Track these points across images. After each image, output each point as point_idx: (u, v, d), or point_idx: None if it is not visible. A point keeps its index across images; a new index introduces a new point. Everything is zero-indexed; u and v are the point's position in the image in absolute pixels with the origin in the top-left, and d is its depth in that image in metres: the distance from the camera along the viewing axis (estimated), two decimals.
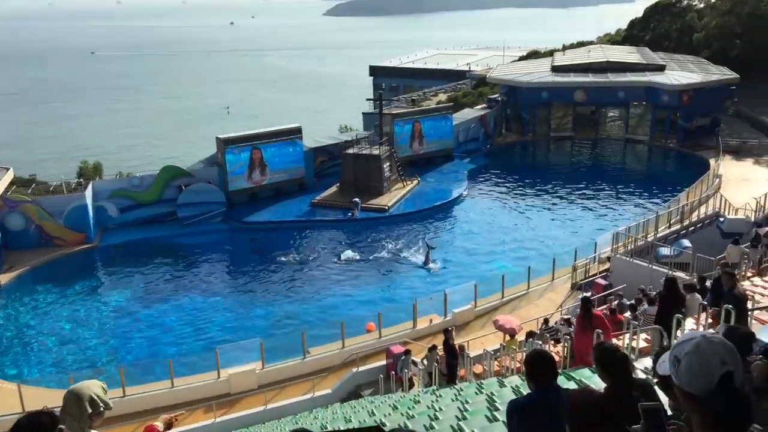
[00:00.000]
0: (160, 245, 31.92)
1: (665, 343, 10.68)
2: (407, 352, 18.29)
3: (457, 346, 17.12)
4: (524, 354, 15.32)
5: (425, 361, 17.75)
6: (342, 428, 10.25)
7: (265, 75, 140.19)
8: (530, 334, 17.53)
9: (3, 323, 24.71)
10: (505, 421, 5.28)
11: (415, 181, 39.01)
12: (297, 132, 37.36)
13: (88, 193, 31.62)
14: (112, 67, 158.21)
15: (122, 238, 32.04)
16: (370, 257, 29.79)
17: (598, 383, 5.19)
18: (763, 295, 13.95)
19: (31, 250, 29.80)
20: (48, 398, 17.04)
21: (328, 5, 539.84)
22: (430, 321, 22.17)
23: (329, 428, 11.35)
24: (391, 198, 36.05)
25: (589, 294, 21.37)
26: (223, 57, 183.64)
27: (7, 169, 29.54)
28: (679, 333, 11.61)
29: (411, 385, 17.26)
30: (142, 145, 74.26)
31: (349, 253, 30.10)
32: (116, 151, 69.21)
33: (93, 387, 3.82)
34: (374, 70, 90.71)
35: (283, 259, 29.78)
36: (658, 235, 25.41)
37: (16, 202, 30.26)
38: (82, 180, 35.13)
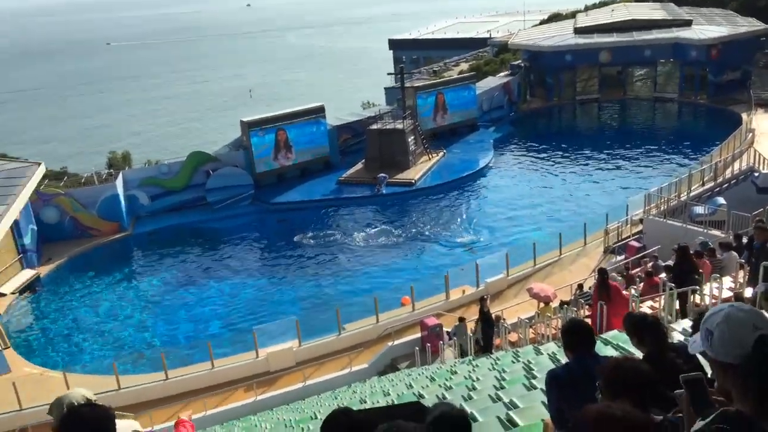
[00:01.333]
0: (192, 230, 32.37)
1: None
2: (461, 319, 18.18)
3: (492, 315, 17.11)
4: (559, 321, 15.30)
5: (454, 334, 17.79)
6: (382, 403, 10.35)
7: (285, 55, 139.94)
8: (564, 303, 17.46)
9: (46, 314, 25.36)
10: (544, 389, 5.27)
11: (441, 154, 38.78)
12: (320, 111, 37.32)
13: (119, 182, 32.09)
14: (130, 56, 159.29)
15: (155, 225, 32.54)
16: (400, 232, 29.81)
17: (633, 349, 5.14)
18: None
19: (67, 241, 30.43)
20: (94, 384, 17.56)
21: None
22: (463, 292, 22.18)
23: (368, 402, 11.47)
24: (418, 171, 35.92)
25: (622, 257, 21.28)
26: (241, 39, 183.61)
27: (39, 164, 30.02)
28: (698, 299, 11.56)
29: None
30: (168, 133, 74.94)
31: (378, 229, 30.17)
32: (142, 140, 69.98)
33: (75, 395, 3.89)
34: (394, 44, 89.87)
35: (312, 239, 29.96)
36: (692, 194, 24.90)
37: (50, 196, 30.85)
38: (112, 170, 35.66)
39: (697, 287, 11.83)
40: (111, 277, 28.04)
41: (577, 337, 4.53)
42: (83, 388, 4.06)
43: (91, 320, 24.56)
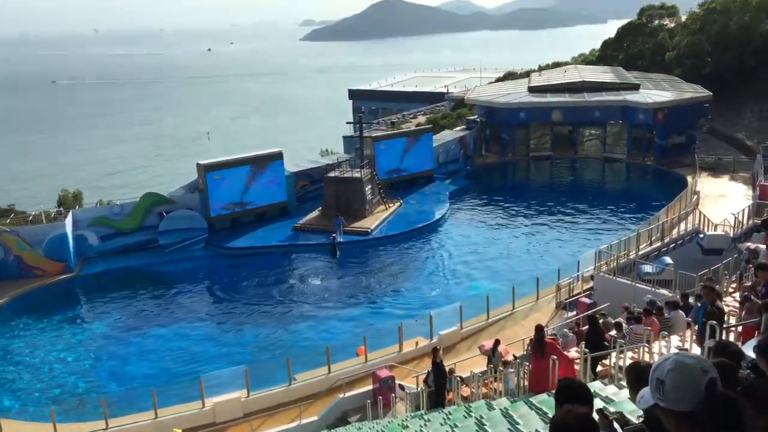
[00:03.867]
0: (142, 273, 31.60)
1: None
2: (497, 342, 18.37)
3: (445, 366, 17.09)
4: (508, 376, 15.37)
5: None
6: None
7: (244, 100, 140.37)
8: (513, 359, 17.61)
9: None
10: None
11: (398, 203, 39.12)
12: (278, 157, 37.36)
13: (68, 222, 31.25)
14: (88, 95, 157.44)
15: (103, 267, 31.67)
16: (355, 281, 29.72)
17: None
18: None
19: (10, 281, 29.30)
20: None
21: (305, 30, 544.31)
22: (417, 344, 22.11)
23: None
24: (374, 220, 36.08)
25: (572, 313, 21.62)
26: (201, 83, 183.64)
27: None
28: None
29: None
30: (123, 173, 73.78)
31: (333, 278, 30.01)
32: (96, 179, 68.66)
33: None
34: (354, 94, 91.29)
35: (266, 284, 29.60)
36: (640, 253, 25.67)
37: None
38: (62, 209, 34.75)
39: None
40: (54, 320, 27.02)
41: (568, 397, 4.34)
42: None
43: (31, 364, 23.52)
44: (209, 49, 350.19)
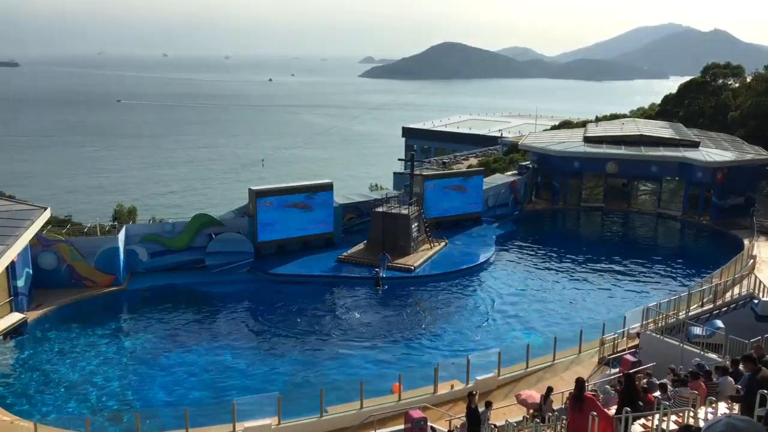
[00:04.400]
0: (186, 292, 32.13)
1: None
2: (488, 404, 17.78)
3: (480, 413, 16.70)
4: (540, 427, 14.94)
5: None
6: None
7: (300, 130, 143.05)
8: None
9: (27, 360, 24.83)
10: None
11: (443, 243, 38.96)
12: (328, 188, 37.81)
13: (121, 236, 32.13)
14: (151, 115, 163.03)
15: (150, 282, 32.36)
16: (394, 317, 29.55)
17: None
18: None
19: (60, 289, 30.19)
20: None
21: (365, 67, 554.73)
22: (452, 387, 21.74)
23: None
24: (418, 258, 35.98)
25: (616, 371, 20.97)
26: (260, 111, 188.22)
27: (45, 209, 30.18)
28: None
29: None
30: (178, 192, 75.66)
31: (372, 312, 29.92)
32: (152, 196, 70.58)
33: None
34: (407, 132, 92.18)
35: (306, 313, 29.70)
36: (690, 314, 24.81)
37: (50, 241, 30.84)
38: (116, 223, 35.77)
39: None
40: (98, 331, 27.59)
41: None
42: None
43: (71, 372, 23.99)
44: (270, 80, 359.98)
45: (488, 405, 17.82)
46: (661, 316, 23.99)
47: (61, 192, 71.39)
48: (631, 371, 17.27)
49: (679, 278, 35.23)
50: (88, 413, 20.36)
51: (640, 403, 13.31)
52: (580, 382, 12.52)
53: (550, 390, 18.01)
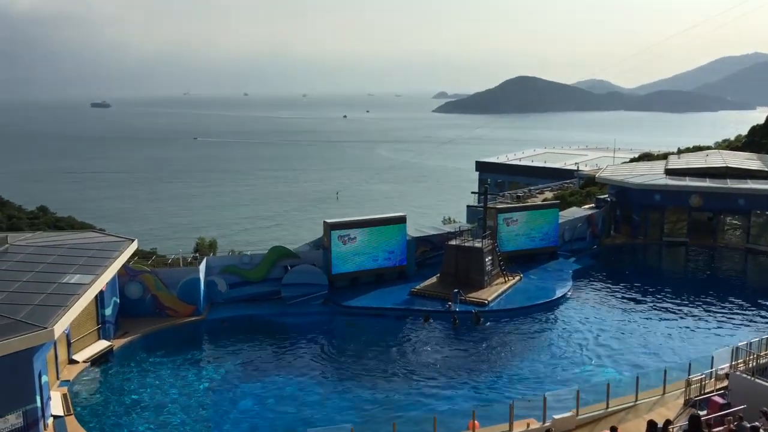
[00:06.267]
0: (263, 323, 32.79)
1: None
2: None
3: None
4: None
5: None
6: None
7: (374, 164, 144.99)
8: None
9: (111, 387, 25.85)
10: None
11: (518, 277, 38.31)
12: (401, 221, 38.04)
13: (202, 267, 33.26)
14: (230, 152, 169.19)
15: (228, 313, 33.25)
16: (467, 352, 29.14)
17: None
18: None
19: (144, 318, 31.48)
20: None
21: (438, 102, 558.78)
22: (528, 425, 21.13)
23: None
24: (492, 292, 35.48)
25: (703, 413, 19.89)
26: (336, 147, 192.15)
27: (132, 240, 31.68)
28: None
29: None
30: (256, 225, 77.83)
31: (445, 347, 29.62)
32: (231, 229, 72.89)
33: None
34: (481, 166, 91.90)
35: (378, 346, 29.70)
36: None
37: (136, 272, 32.28)
38: (197, 255, 37.08)
39: None
40: (179, 360, 28.45)
41: None
42: None
43: (153, 400, 24.77)
44: (345, 116, 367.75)
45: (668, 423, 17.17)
46: (751, 357, 22.66)
47: (147, 225, 74.83)
48: (699, 413, 16.26)
49: None
50: None
51: None
52: (651, 425, 12.08)
53: (668, 423, 17.15)
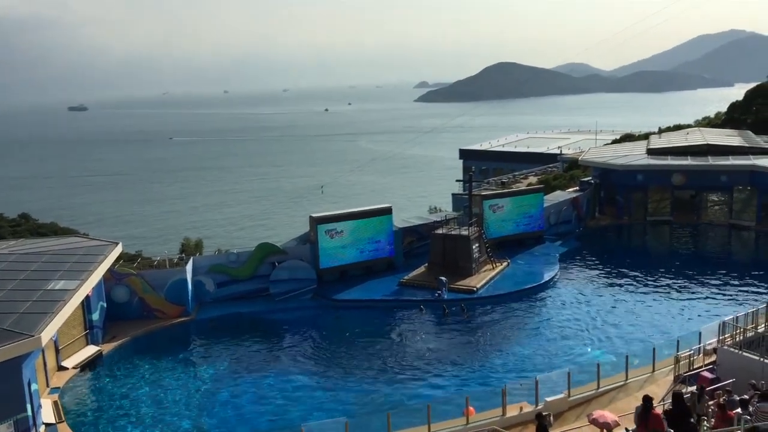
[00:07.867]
0: (252, 320, 32.69)
1: None
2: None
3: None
4: None
5: None
6: None
7: (356, 157, 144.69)
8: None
9: (102, 392, 25.67)
10: None
11: (505, 263, 38.46)
12: (387, 212, 38.02)
13: (188, 268, 33.05)
14: (199, 150, 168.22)
15: (217, 312, 33.10)
16: (457, 339, 29.24)
17: None
18: None
19: (132, 321, 31.25)
20: None
21: (420, 92, 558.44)
22: (521, 409, 21.26)
23: None
24: (480, 279, 35.60)
25: (691, 389, 20.12)
26: (318, 141, 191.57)
27: (117, 244, 31.40)
28: None
29: None
30: (239, 223, 77.49)
31: (436, 335, 29.69)
32: (217, 228, 72.52)
33: None
34: (464, 153, 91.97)
35: (369, 337, 29.72)
36: None
37: (122, 275, 32.02)
38: (183, 255, 36.84)
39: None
40: (169, 360, 28.30)
41: None
42: None
43: (144, 404, 24.63)
44: (326, 109, 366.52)
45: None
46: (738, 331, 22.95)
47: (129, 228, 74.25)
48: (680, 390, 16.63)
49: (756, 291, 33.65)
50: None
51: (691, 421, 12.90)
52: (647, 399, 12.34)
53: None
